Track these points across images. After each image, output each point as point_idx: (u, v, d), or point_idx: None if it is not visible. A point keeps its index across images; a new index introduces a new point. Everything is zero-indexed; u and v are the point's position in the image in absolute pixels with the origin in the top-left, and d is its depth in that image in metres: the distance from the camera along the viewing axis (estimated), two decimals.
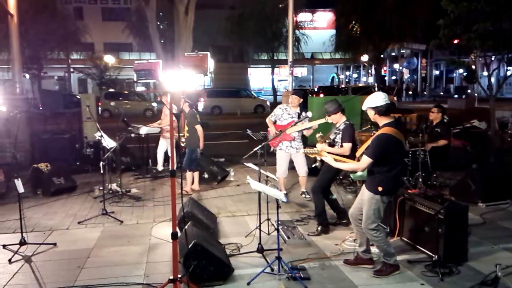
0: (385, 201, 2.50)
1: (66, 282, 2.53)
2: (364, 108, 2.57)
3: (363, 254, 2.68)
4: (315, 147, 2.99)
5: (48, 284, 2.52)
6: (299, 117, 3.96)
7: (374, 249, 2.83)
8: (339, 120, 3.27)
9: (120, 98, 16.04)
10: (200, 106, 16.04)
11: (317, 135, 3.13)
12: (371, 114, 2.52)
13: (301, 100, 4.13)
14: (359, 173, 2.61)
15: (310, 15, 24.62)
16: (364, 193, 2.56)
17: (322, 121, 3.55)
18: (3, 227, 3.55)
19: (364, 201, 2.55)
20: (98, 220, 3.67)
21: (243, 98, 17.14)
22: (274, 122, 4.14)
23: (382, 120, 2.50)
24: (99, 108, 14.35)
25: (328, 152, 2.94)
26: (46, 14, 15.46)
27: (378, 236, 2.51)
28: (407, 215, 3.02)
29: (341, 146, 3.17)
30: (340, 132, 3.21)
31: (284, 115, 4.08)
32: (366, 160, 2.43)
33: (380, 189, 2.46)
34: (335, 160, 2.67)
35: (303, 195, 4.18)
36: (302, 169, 4.08)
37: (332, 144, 3.24)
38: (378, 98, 2.48)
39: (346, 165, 2.64)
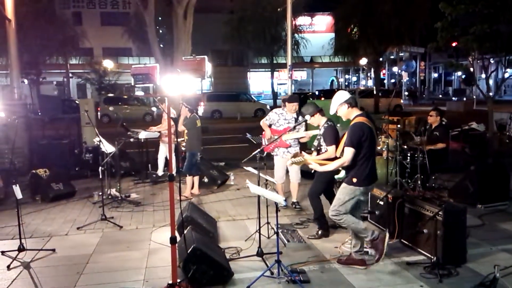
0: (357, 194, 2.56)
1: None
2: (334, 108, 2.65)
3: (355, 254, 2.72)
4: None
5: None
6: (295, 122, 3.87)
7: (370, 251, 2.83)
8: (319, 122, 3.26)
9: (120, 103, 15.98)
10: (200, 110, 16.02)
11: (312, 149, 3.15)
12: (345, 109, 2.62)
13: (297, 104, 4.06)
14: (342, 174, 2.64)
15: (309, 18, 24.76)
16: (341, 185, 2.65)
17: (317, 131, 3.51)
18: (1, 233, 3.54)
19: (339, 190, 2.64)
20: (97, 226, 3.66)
21: (243, 102, 17.20)
22: (269, 126, 4.02)
23: (353, 112, 2.62)
24: (98, 113, 14.39)
25: (318, 160, 2.95)
26: (45, 19, 15.54)
27: (341, 218, 2.58)
28: (406, 217, 3.04)
29: (326, 150, 3.16)
30: (321, 137, 3.21)
31: (280, 121, 3.96)
32: (348, 151, 2.50)
33: (354, 180, 2.54)
34: (321, 165, 2.71)
35: (293, 205, 4.02)
36: (295, 175, 3.95)
37: (319, 151, 3.22)
38: (343, 94, 2.64)
39: (331, 165, 2.66)
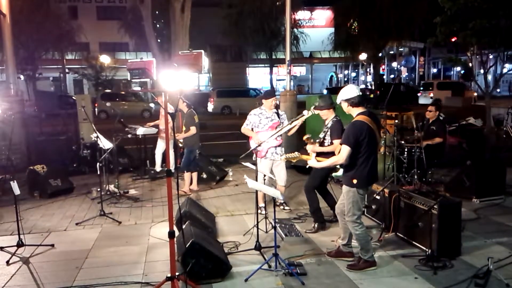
0: (361, 193, 2.57)
1: (64, 283, 2.54)
2: (338, 101, 2.65)
3: (344, 247, 2.77)
4: (296, 152, 2.96)
5: (46, 284, 2.53)
6: (278, 117, 3.71)
7: (354, 243, 2.84)
8: (328, 116, 3.25)
9: (117, 99, 15.91)
10: (210, 106, 15.91)
11: (304, 137, 3.09)
12: (345, 106, 2.61)
13: (276, 99, 3.77)
14: (340, 172, 2.64)
15: (309, 13, 24.55)
16: (343, 188, 2.65)
17: (304, 118, 3.36)
18: (0, 229, 3.54)
19: (343, 196, 2.63)
20: (96, 221, 3.67)
21: (253, 98, 17.09)
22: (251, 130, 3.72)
23: (355, 111, 2.59)
24: (96, 109, 14.27)
25: (318, 153, 2.95)
26: (40, 14, 15.32)
27: (359, 229, 2.58)
28: (402, 211, 3.07)
29: (331, 143, 3.17)
30: (329, 130, 3.21)
31: (262, 121, 3.68)
32: (344, 149, 2.49)
33: (354, 181, 2.53)
34: (317, 161, 2.72)
35: (282, 207, 3.87)
36: (282, 177, 3.73)
37: (322, 143, 3.23)
38: (351, 91, 2.59)
39: (328, 161, 2.66)
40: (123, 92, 17.29)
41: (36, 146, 6.02)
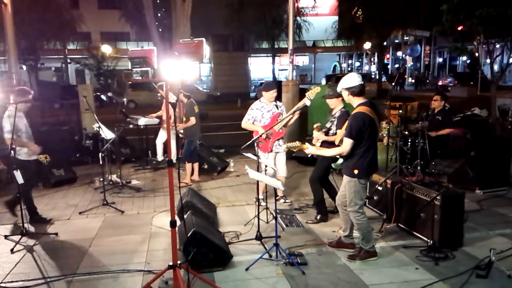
0: (362, 183, 2.56)
1: (68, 270, 2.58)
2: (338, 89, 2.61)
3: (345, 238, 2.78)
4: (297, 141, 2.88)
5: (50, 272, 2.58)
6: (278, 109, 3.61)
7: (355, 234, 2.84)
8: (336, 106, 3.20)
9: (141, 89, 15.39)
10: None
11: (315, 125, 3.08)
12: (345, 95, 2.56)
13: (276, 91, 3.61)
14: (339, 162, 2.62)
15: (312, 0, 23.93)
16: (344, 178, 2.63)
17: (301, 104, 3.23)
18: (4, 218, 3.59)
19: (345, 186, 2.62)
20: (99, 211, 3.71)
21: None
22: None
23: (356, 101, 2.54)
24: (124, 99, 14.00)
25: (324, 141, 2.92)
26: (41, 3, 15.12)
27: (361, 219, 2.58)
28: (404, 201, 3.05)
29: (335, 133, 3.14)
30: (336, 120, 3.18)
31: (264, 114, 3.58)
32: (347, 142, 2.47)
33: (355, 172, 2.51)
34: (319, 149, 2.71)
35: (282, 200, 3.77)
36: (282, 169, 3.65)
37: (327, 132, 3.20)
38: (352, 79, 2.52)
39: (329, 151, 2.64)
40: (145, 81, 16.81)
41: (38, 136, 6.03)
